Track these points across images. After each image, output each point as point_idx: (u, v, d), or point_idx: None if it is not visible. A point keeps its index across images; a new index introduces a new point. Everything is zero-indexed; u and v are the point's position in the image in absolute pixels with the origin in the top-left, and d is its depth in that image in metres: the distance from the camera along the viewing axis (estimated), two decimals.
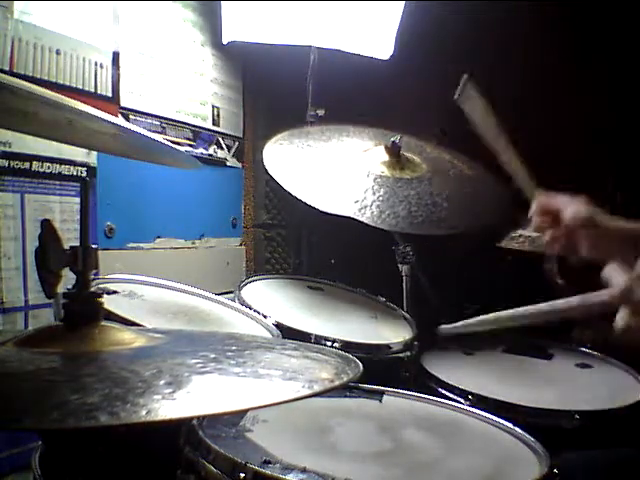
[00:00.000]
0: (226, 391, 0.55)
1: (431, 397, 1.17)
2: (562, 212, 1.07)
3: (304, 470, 0.80)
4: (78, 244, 0.69)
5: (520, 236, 1.67)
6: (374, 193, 1.47)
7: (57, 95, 0.68)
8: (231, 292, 1.53)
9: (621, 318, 0.78)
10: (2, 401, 0.47)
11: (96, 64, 1.52)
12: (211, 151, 1.97)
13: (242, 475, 0.77)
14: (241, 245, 2.14)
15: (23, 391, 0.50)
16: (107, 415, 0.44)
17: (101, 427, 0.43)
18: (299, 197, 1.45)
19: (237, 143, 2.10)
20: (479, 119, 1.20)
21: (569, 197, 1.08)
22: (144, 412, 0.46)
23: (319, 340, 1.32)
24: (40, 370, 0.55)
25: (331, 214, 1.41)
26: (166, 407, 0.48)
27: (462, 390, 1.27)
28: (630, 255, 0.97)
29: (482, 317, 1.06)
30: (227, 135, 2.05)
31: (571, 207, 1.06)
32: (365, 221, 1.39)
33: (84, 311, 0.67)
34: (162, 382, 0.52)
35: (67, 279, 0.69)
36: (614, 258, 0.99)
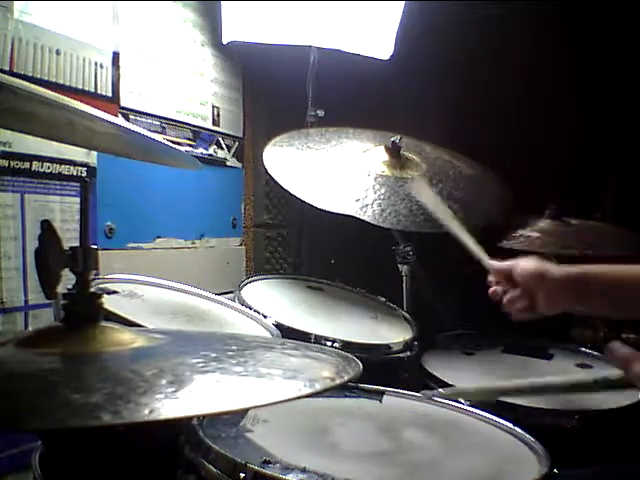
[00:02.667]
0: (228, 390, 0.55)
1: None
2: (511, 271, 1.09)
3: (304, 470, 0.80)
4: (78, 244, 0.69)
5: (520, 236, 1.68)
6: (375, 192, 1.47)
7: (57, 95, 0.68)
8: (231, 292, 1.53)
9: None
10: (5, 401, 0.47)
11: (96, 64, 1.52)
12: (211, 151, 1.97)
13: (242, 475, 0.77)
14: (241, 245, 2.14)
15: (25, 392, 0.50)
16: (110, 415, 0.44)
17: (105, 427, 0.43)
18: (301, 197, 1.45)
19: (237, 143, 2.10)
20: (430, 205, 1.34)
21: (519, 257, 1.10)
22: (147, 411, 0.46)
23: (319, 340, 1.32)
24: (41, 371, 0.55)
25: (332, 213, 1.41)
26: (169, 406, 0.48)
27: None
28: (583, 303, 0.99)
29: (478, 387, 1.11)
30: (227, 135, 2.05)
31: (519, 264, 1.08)
32: (367, 219, 1.39)
33: (84, 312, 0.67)
34: (164, 382, 0.52)
35: (68, 279, 0.69)
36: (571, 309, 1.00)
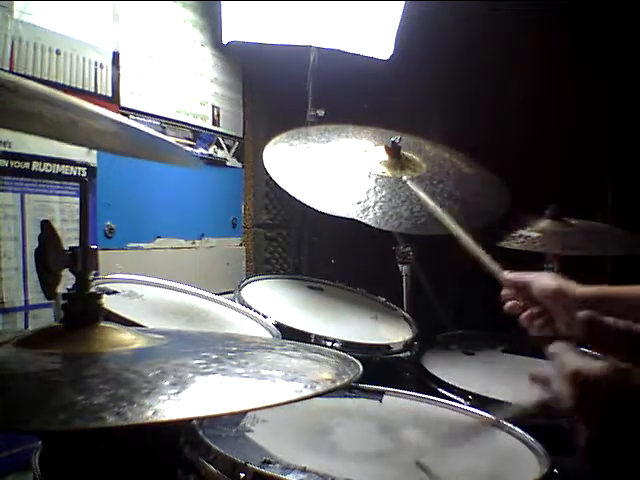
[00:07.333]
0: (230, 392, 0.56)
1: (431, 397, 1.17)
2: (530, 287, 1.05)
3: (304, 470, 0.80)
4: (78, 244, 0.69)
5: (520, 236, 1.68)
6: (376, 194, 1.46)
7: (60, 93, 0.68)
8: (231, 292, 1.53)
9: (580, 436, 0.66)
10: (6, 402, 0.47)
11: (96, 64, 1.52)
12: (211, 151, 1.97)
13: (242, 475, 0.77)
14: (241, 245, 2.14)
15: (27, 392, 0.50)
16: (114, 416, 0.44)
17: (109, 428, 0.43)
18: (303, 200, 1.45)
19: (237, 143, 2.10)
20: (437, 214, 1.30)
21: (537, 272, 1.07)
22: (150, 413, 0.46)
23: (319, 340, 1.32)
24: (42, 371, 0.55)
25: (333, 215, 1.41)
26: (172, 408, 0.48)
27: (462, 390, 1.27)
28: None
29: None
30: (227, 135, 2.05)
31: (539, 281, 1.05)
32: (369, 223, 1.39)
33: (84, 312, 0.67)
34: (167, 383, 0.52)
35: (68, 279, 0.69)
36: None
